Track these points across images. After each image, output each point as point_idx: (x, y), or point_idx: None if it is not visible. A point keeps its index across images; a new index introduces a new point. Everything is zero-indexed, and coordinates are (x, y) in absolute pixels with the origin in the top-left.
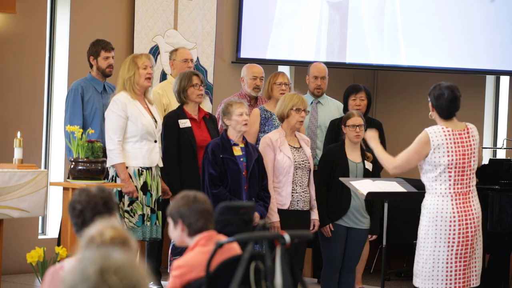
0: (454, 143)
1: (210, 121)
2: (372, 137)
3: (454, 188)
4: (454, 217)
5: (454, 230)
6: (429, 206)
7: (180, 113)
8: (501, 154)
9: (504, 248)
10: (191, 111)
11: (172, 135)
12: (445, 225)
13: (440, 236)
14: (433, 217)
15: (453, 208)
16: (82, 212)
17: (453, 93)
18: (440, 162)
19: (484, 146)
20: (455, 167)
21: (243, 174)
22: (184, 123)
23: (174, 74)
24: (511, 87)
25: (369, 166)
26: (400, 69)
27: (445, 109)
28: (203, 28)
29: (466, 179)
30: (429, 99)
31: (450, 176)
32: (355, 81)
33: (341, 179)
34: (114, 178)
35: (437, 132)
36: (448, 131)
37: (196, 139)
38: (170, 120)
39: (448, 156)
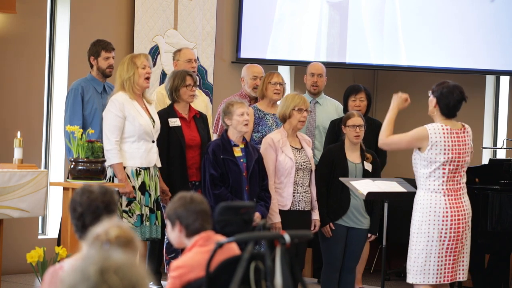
0: (452, 141)
1: (200, 120)
2: (396, 99)
3: (446, 185)
4: (447, 212)
5: (447, 225)
6: (422, 202)
7: (170, 111)
8: (501, 154)
9: (504, 248)
10: (182, 110)
11: (162, 134)
12: (438, 219)
13: (433, 231)
14: (427, 212)
15: (446, 204)
16: (82, 215)
17: (462, 94)
18: (436, 159)
19: (484, 146)
20: (450, 165)
21: (243, 175)
22: (174, 122)
23: None
24: (511, 87)
25: (368, 166)
26: (400, 69)
27: (451, 108)
28: (203, 28)
29: (458, 176)
30: (431, 95)
31: (444, 173)
32: (355, 81)
33: (341, 179)
34: (112, 178)
35: (436, 130)
36: (447, 129)
37: (185, 138)
38: (160, 119)
39: (445, 153)
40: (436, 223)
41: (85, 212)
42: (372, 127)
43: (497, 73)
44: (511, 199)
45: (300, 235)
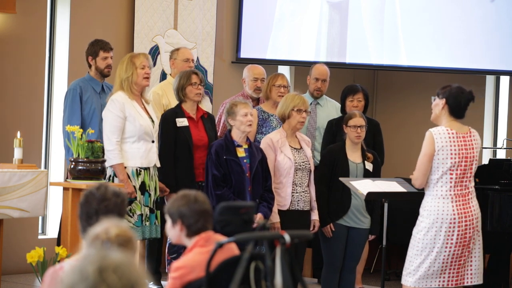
0: (458, 145)
1: (208, 120)
2: None
3: (454, 190)
4: (454, 219)
5: (453, 231)
6: (429, 208)
7: (178, 111)
8: (501, 154)
9: (504, 248)
10: (189, 110)
11: (169, 134)
12: (445, 226)
13: (439, 237)
14: (434, 218)
15: (453, 210)
16: (96, 222)
17: (471, 94)
18: (442, 164)
19: (484, 146)
20: (457, 170)
21: (246, 176)
22: (182, 122)
23: (174, 74)
24: (511, 87)
25: (369, 166)
26: (400, 69)
27: (462, 109)
28: (203, 28)
29: (466, 181)
30: (437, 98)
31: (451, 178)
32: (355, 81)
33: (341, 179)
34: (112, 178)
35: (442, 134)
36: (453, 133)
37: (193, 138)
38: (168, 119)
39: (452, 158)
40: (443, 229)
41: (100, 220)
42: (370, 127)
43: (497, 73)
44: (511, 199)
45: (300, 235)
